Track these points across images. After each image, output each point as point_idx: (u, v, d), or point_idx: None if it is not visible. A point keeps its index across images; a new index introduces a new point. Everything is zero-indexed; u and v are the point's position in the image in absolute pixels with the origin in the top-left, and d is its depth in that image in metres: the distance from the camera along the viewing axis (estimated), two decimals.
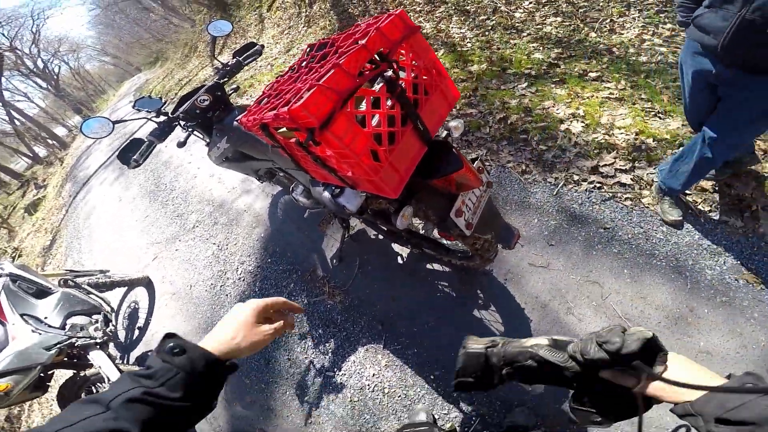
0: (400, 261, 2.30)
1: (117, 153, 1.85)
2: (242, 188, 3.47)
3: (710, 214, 1.95)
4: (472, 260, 1.83)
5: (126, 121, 1.94)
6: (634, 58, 2.84)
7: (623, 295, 1.80)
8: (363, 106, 1.00)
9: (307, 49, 1.27)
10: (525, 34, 3.44)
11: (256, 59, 2.18)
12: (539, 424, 1.59)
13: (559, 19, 3.42)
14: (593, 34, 3.19)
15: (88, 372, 2.35)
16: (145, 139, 1.83)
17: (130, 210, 4.48)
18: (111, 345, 2.78)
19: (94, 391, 2.33)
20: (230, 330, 0.64)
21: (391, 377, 1.98)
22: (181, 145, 1.99)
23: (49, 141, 21.47)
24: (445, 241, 1.94)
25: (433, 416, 1.80)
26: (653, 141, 2.27)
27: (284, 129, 1.10)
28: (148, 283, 3.31)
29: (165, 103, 1.99)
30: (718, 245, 1.84)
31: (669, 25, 3.01)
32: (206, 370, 0.58)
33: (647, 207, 2.05)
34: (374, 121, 1.08)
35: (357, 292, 2.31)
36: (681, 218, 1.93)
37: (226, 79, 2.04)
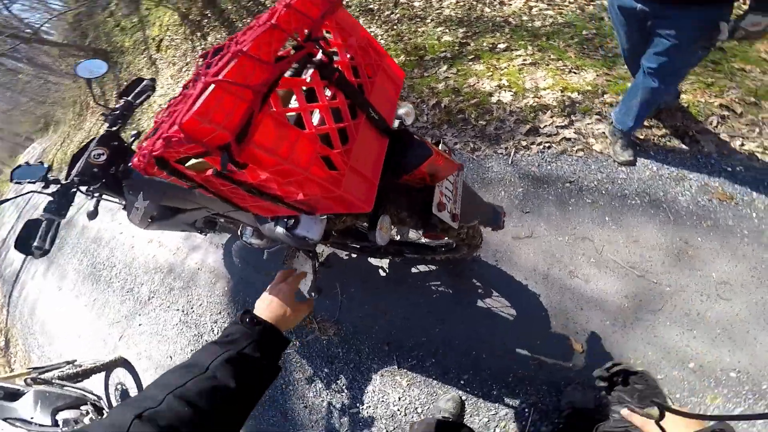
0: (382, 273, 1.95)
1: (14, 243, 1.33)
2: (187, 246, 2.90)
3: (657, 145, 1.84)
4: (458, 251, 1.54)
5: (10, 199, 1.42)
6: (530, 25, 2.76)
7: (616, 243, 1.60)
8: (294, 103, 0.65)
9: (200, 60, 0.88)
10: (429, 20, 3.26)
11: (150, 96, 1.68)
12: (598, 397, 1.32)
13: (453, 0, 3.26)
14: (487, 9, 3.08)
15: None
16: (43, 219, 1.32)
17: (75, 297, 3.68)
18: None
19: None
20: (280, 307, 0.70)
21: (418, 395, 1.63)
22: (93, 215, 1.49)
23: None
24: (424, 240, 1.64)
25: (462, 401, 1.50)
26: (578, 94, 2.19)
27: (194, 161, 0.72)
28: (124, 362, 2.74)
29: (50, 167, 1.47)
30: (677, 171, 1.72)
31: None
32: (274, 337, 0.64)
33: (600, 153, 1.90)
34: (315, 120, 0.73)
35: (349, 319, 1.93)
36: (633, 158, 1.80)
37: (119, 125, 1.56)
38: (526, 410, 1.43)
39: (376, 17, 3.62)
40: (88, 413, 2.12)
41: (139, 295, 3.01)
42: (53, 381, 2.36)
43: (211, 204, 1.33)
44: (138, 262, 3.22)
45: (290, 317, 0.70)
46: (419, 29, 3.23)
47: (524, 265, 1.68)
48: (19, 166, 1.48)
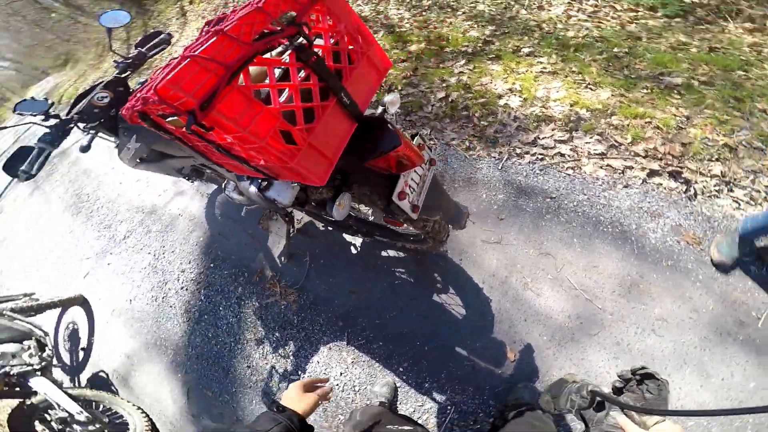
0: (354, 251, 2.11)
1: (2, 165, 1.49)
2: (174, 190, 3.07)
3: (646, 180, 1.94)
4: (425, 243, 1.69)
5: (9, 127, 1.58)
6: (562, 34, 2.81)
7: (576, 265, 1.74)
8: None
9: (205, 27, 1.01)
10: (460, 12, 3.31)
11: (164, 49, 1.85)
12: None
13: None
14: (523, 12, 3.12)
15: (35, 399, 2.11)
16: (35, 146, 1.48)
17: (52, 226, 3.87)
18: (56, 369, 2.50)
19: (47, 418, 2.10)
20: (290, 402, 0.81)
21: (359, 374, 1.82)
22: (85, 149, 1.65)
23: None
24: (408, 226, 1.79)
25: (395, 387, 1.68)
26: (587, 111, 2.24)
27: (175, 117, 0.85)
28: (83, 302, 2.89)
29: (53, 103, 1.63)
30: (657, 206, 1.83)
31: (592, 1, 3.00)
32: (299, 423, 0.75)
33: (588, 175, 2.01)
34: (288, 98, 0.86)
35: (312, 289, 2.10)
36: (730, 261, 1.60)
37: (128, 73, 1.73)
38: (449, 407, 1.60)
39: (407, 0, 3.66)
40: (29, 348, 2.22)
41: (116, 233, 3.19)
42: (4, 313, 2.46)
43: (198, 155, 1.47)
44: (122, 199, 3.40)
45: (300, 408, 0.79)
46: (447, 20, 3.29)
47: (485, 269, 1.83)
48: (24, 99, 1.64)
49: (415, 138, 1.25)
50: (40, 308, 2.67)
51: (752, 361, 1.44)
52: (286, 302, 2.10)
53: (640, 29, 2.71)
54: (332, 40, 0.93)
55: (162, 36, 1.84)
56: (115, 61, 1.74)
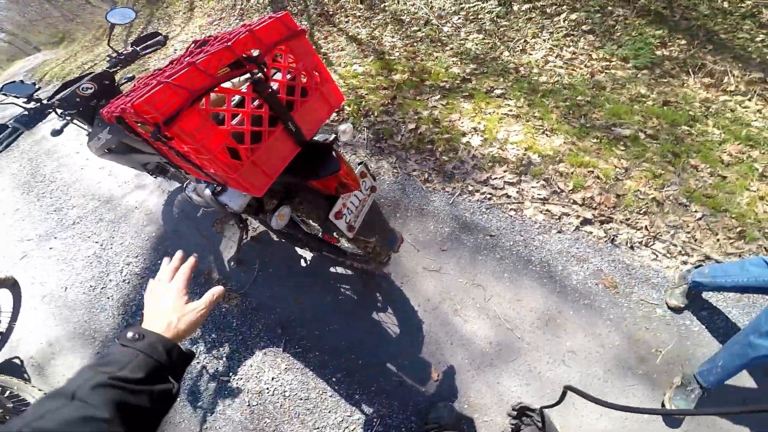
0: (303, 264, 2.30)
1: None
2: (136, 183, 3.22)
3: (578, 227, 2.25)
4: (368, 263, 1.90)
5: None
6: (536, 78, 3.17)
7: (503, 297, 2.00)
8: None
9: (191, 45, 1.24)
10: (448, 48, 3.67)
11: (157, 49, 2.10)
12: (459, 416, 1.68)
13: (480, 36, 3.69)
14: (507, 53, 3.51)
15: None
16: (9, 125, 1.66)
17: None
18: None
19: None
20: (164, 317, 0.67)
21: (291, 380, 1.96)
22: (57, 133, 1.83)
23: None
24: (347, 245, 2.00)
25: None
26: (538, 156, 2.55)
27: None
28: (13, 285, 2.87)
29: (38, 89, 1.82)
30: (584, 252, 2.13)
31: (572, 48, 3.37)
32: (165, 352, 0.60)
33: (528, 218, 2.31)
34: (241, 121, 1.08)
35: (257, 295, 2.27)
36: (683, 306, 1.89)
37: (117, 68, 1.97)
38: (375, 420, 1.78)
39: (403, 29, 4.05)
40: None
41: (65, 218, 3.26)
42: None
43: (160, 155, 1.67)
44: (79, 185, 3.49)
45: (180, 327, 0.66)
46: (435, 53, 3.66)
47: (422, 294, 2.07)
48: (13, 81, 1.82)
49: (359, 166, 1.49)
50: None
51: (648, 394, 1.69)
52: (228, 305, 2.25)
53: (608, 79, 3.06)
54: (289, 76, 1.17)
55: (158, 38, 2.08)
56: (109, 55, 1.97)
